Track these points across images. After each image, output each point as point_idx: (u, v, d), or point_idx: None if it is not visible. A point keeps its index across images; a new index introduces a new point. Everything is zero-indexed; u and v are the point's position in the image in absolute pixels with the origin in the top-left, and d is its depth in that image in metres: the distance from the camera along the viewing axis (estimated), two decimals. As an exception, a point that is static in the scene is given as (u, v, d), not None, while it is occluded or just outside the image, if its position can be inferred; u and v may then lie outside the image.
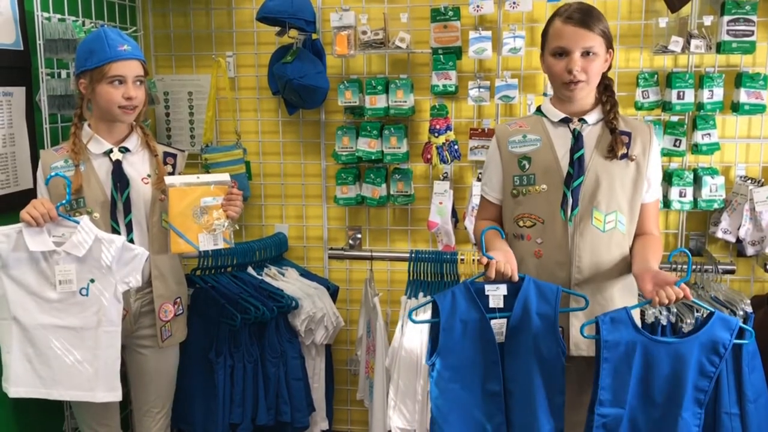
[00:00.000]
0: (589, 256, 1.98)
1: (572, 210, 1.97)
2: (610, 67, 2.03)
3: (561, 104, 2.03)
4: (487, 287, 1.91)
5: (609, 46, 1.97)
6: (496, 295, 1.91)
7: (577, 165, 1.97)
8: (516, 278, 1.89)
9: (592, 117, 2.01)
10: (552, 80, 2.02)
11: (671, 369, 1.84)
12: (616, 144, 1.96)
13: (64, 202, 2.09)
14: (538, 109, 2.10)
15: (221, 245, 2.29)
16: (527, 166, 2.04)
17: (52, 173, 2.14)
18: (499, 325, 1.92)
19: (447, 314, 1.91)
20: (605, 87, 2.03)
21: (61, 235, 2.08)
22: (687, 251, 1.86)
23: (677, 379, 1.84)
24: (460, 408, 1.94)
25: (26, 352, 2.09)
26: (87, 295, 2.09)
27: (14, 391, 2.10)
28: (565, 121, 2.02)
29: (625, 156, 1.97)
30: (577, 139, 1.99)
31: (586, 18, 1.92)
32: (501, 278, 1.87)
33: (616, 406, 1.86)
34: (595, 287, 1.99)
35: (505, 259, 1.88)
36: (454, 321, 1.91)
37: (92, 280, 2.09)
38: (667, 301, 1.76)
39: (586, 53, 1.92)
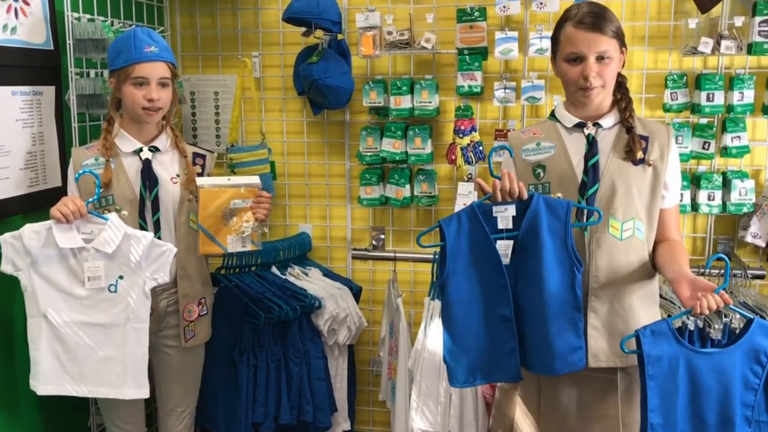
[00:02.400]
0: (606, 264, 1.92)
1: (587, 219, 1.92)
2: (623, 65, 1.97)
3: (575, 108, 1.99)
4: (495, 208, 1.87)
5: (622, 45, 1.92)
6: (505, 216, 1.86)
7: (591, 173, 1.93)
8: (525, 195, 1.84)
9: (608, 120, 1.97)
10: (566, 86, 1.97)
11: (718, 383, 1.75)
12: (634, 144, 1.91)
13: (93, 199, 2.11)
14: (552, 114, 2.06)
15: (249, 247, 2.30)
16: (542, 175, 2.00)
17: (82, 170, 2.16)
18: (504, 246, 1.87)
19: (453, 237, 1.87)
20: (619, 84, 1.97)
21: (90, 232, 2.10)
22: (725, 257, 1.78)
23: (725, 394, 1.75)
24: (472, 340, 1.90)
25: (55, 350, 2.11)
26: (116, 291, 2.11)
27: (43, 388, 2.12)
28: (580, 126, 1.98)
29: (641, 161, 1.92)
30: (592, 145, 1.95)
31: (598, 21, 1.88)
32: (509, 198, 1.84)
33: (669, 429, 1.76)
34: (614, 295, 1.93)
35: (513, 182, 1.85)
36: (460, 244, 1.88)
37: (121, 277, 2.11)
38: (707, 311, 1.67)
39: (600, 58, 1.88)
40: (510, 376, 1.92)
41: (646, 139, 1.94)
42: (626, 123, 1.95)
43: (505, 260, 1.88)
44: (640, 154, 1.91)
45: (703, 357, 1.76)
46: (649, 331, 1.76)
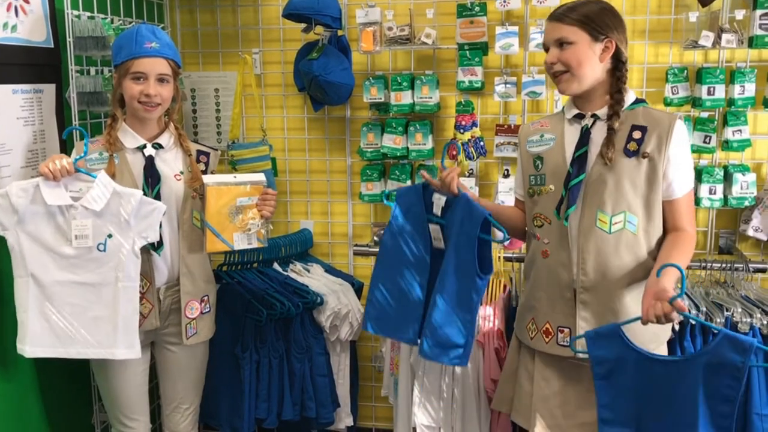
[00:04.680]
0: (594, 258, 1.91)
1: (567, 208, 1.91)
2: (619, 57, 1.91)
3: (577, 99, 1.99)
4: (434, 194, 2.11)
5: (597, 33, 1.88)
6: (438, 203, 2.11)
7: (577, 164, 1.92)
8: (454, 190, 2.02)
9: (605, 111, 1.94)
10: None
11: (674, 389, 1.76)
12: (607, 145, 1.89)
13: (81, 156, 2.09)
14: (564, 107, 2.07)
15: (255, 244, 2.31)
16: (540, 166, 2.02)
17: (72, 126, 2.15)
18: (433, 230, 2.13)
19: (403, 204, 2.19)
20: (617, 80, 1.93)
21: (79, 190, 2.08)
22: (678, 266, 1.73)
23: (685, 399, 1.75)
24: (387, 293, 2.21)
25: (43, 311, 2.07)
26: (104, 250, 2.09)
27: (31, 351, 2.08)
28: (579, 117, 1.98)
29: (635, 153, 1.88)
30: (583, 136, 1.94)
31: (562, 12, 1.92)
32: (445, 188, 2.05)
33: (622, 425, 1.83)
34: (606, 293, 1.92)
35: (453, 173, 2.03)
36: (406, 210, 2.18)
37: (110, 236, 2.08)
38: (653, 319, 1.70)
39: (560, 44, 1.91)
40: (408, 340, 2.20)
41: (643, 129, 1.90)
42: (610, 118, 1.91)
43: (438, 243, 2.13)
44: (610, 154, 1.88)
45: (657, 363, 1.79)
46: (594, 333, 1.85)
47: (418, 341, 2.16)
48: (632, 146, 1.90)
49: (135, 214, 2.09)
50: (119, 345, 2.11)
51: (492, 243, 2.04)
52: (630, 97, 1.95)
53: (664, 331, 2.01)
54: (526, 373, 2.08)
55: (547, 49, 1.98)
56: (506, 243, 2.05)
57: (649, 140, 1.89)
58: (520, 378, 2.11)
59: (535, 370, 2.04)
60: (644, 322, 1.74)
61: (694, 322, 2.38)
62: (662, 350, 1.99)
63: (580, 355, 1.91)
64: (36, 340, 2.08)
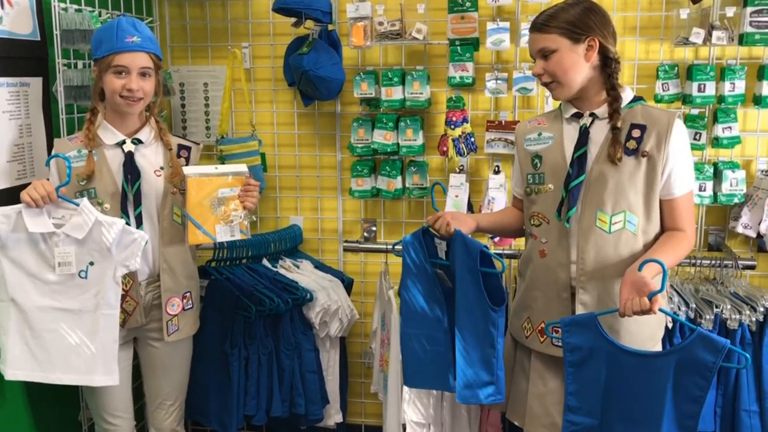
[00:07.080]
0: (594, 258, 1.90)
1: (568, 210, 1.90)
2: (606, 54, 1.89)
3: (574, 99, 1.97)
4: (435, 238, 2.13)
5: (577, 35, 1.86)
6: (441, 248, 2.14)
7: (576, 164, 1.91)
8: (450, 231, 2.01)
9: (604, 110, 1.92)
10: None
11: (644, 383, 1.77)
12: (614, 145, 1.87)
13: (64, 183, 2.08)
14: (561, 105, 2.06)
15: (238, 237, 2.28)
16: (539, 165, 2.00)
17: (53, 154, 2.14)
18: (441, 273, 2.13)
19: (411, 254, 2.16)
20: (608, 76, 1.91)
21: (61, 217, 2.07)
22: (661, 262, 1.73)
23: (653, 395, 1.76)
24: (420, 345, 2.18)
25: (23, 335, 2.08)
26: (86, 277, 2.08)
27: (11, 373, 2.10)
28: (577, 116, 1.96)
29: (635, 152, 1.87)
30: (582, 136, 1.92)
31: (541, 21, 1.91)
32: (441, 232, 2.05)
33: (587, 415, 1.84)
34: (602, 288, 1.91)
35: (450, 216, 2.04)
36: (416, 260, 2.16)
37: (91, 263, 2.08)
38: (631, 314, 1.71)
39: (543, 55, 1.90)
40: (448, 387, 2.16)
41: (642, 128, 1.88)
42: (611, 119, 1.90)
43: (448, 284, 2.12)
44: (619, 154, 1.87)
45: (630, 356, 1.79)
46: (570, 320, 1.86)
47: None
48: (631, 145, 1.88)
49: (117, 242, 2.08)
50: (98, 372, 2.11)
51: (498, 274, 2.02)
52: (628, 95, 1.94)
53: (660, 329, 2.01)
54: (522, 371, 2.08)
55: (534, 60, 1.97)
56: (503, 272, 2.07)
57: (648, 139, 1.87)
58: (516, 376, 2.10)
59: (532, 369, 2.04)
60: (621, 315, 1.75)
61: (717, 309, 2.43)
62: (658, 348, 2.00)
63: (556, 342, 1.93)
64: (16, 364, 2.10)
